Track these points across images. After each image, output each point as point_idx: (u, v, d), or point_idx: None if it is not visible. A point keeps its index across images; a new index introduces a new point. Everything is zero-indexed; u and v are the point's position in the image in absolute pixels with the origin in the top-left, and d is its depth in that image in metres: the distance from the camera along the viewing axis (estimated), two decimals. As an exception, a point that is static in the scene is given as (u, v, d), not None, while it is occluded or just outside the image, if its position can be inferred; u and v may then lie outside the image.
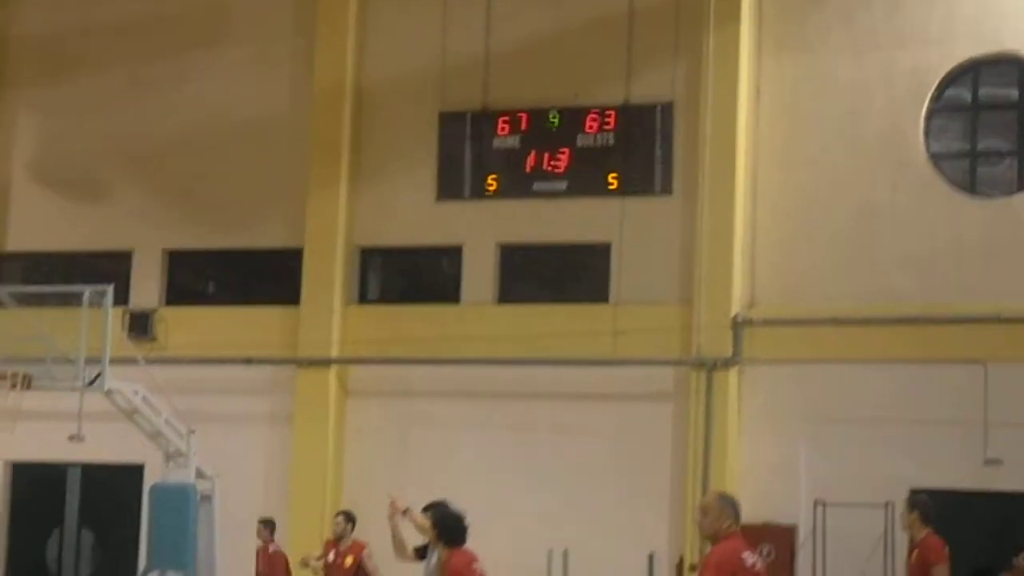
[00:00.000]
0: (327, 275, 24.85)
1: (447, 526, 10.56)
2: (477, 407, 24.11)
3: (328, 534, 19.80)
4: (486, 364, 23.86)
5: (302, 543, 22.54)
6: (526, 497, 22.74)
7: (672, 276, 23.51)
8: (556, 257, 24.74)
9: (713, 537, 9.95)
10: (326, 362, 24.66)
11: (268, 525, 21.23)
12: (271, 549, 21.23)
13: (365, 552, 17.37)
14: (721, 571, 9.74)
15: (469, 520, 13.18)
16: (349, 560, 17.20)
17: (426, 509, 13.96)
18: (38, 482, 26.21)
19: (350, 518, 17.52)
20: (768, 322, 22.90)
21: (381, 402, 24.66)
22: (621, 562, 22.56)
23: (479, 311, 24.33)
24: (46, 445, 24.38)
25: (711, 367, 22.88)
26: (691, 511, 22.48)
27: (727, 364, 22.85)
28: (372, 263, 25.63)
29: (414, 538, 14.20)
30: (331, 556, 17.44)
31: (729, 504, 10.14)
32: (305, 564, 19.85)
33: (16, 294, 22.49)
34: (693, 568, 21.59)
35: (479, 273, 24.54)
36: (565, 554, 22.31)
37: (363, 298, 25.39)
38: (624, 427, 23.24)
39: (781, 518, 22.11)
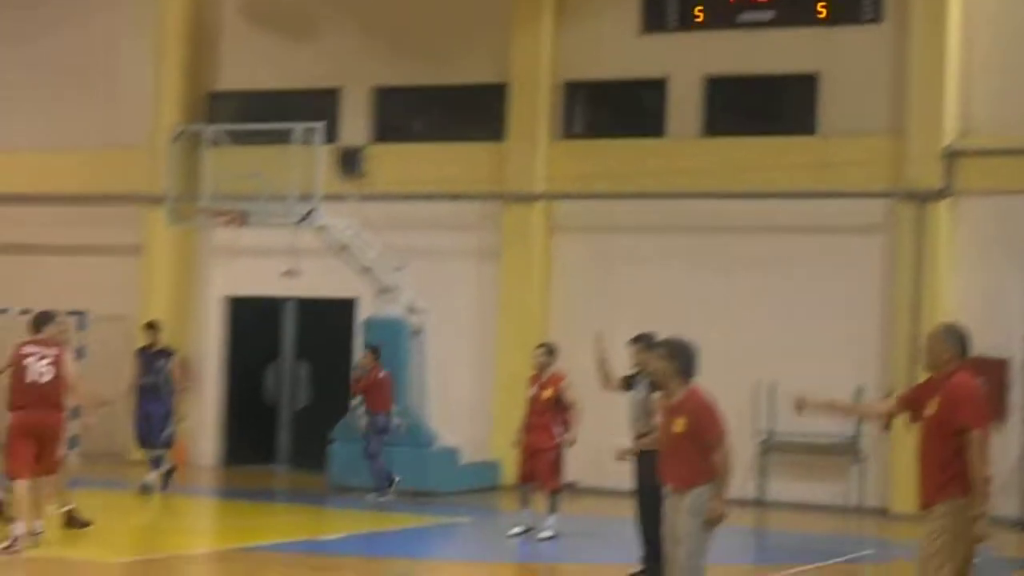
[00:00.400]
0: (532, 110, 24.89)
1: (685, 357, 9.89)
2: (682, 241, 24.09)
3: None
4: (691, 198, 23.78)
5: (508, 376, 22.91)
6: (732, 331, 22.73)
7: (881, 106, 23.05)
8: (762, 88, 24.41)
9: (934, 368, 9.47)
10: (532, 197, 24.80)
11: (374, 351, 21.45)
12: (379, 375, 21.29)
13: (563, 383, 17.35)
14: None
15: None
16: (547, 392, 17.15)
17: (635, 340, 14.04)
18: (255, 316, 26.94)
19: (551, 351, 17.53)
20: (981, 152, 22.37)
21: (586, 237, 24.78)
22: (829, 395, 22.45)
23: (684, 144, 24.19)
24: (262, 280, 25.04)
25: (922, 199, 22.49)
26: (901, 345, 22.32)
27: (938, 196, 22.43)
28: (577, 97, 25.57)
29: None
30: (533, 390, 17.44)
31: (953, 337, 9.44)
32: None
33: (229, 132, 23.00)
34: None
35: (684, 106, 24.34)
36: (772, 387, 22.34)
37: (568, 133, 25.40)
38: (832, 260, 23.04)
39: (993, 351, 21.77)
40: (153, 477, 20.40)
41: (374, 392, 21.08)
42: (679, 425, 9.90)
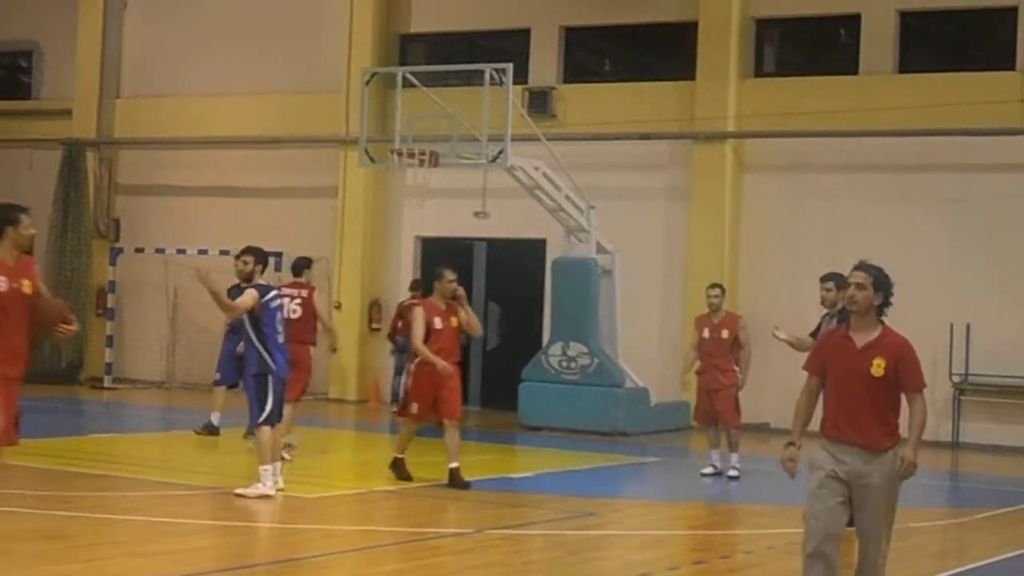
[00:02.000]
0: (722, 48, 24.67)
1: (887, 290, 8.91)
2: (876, 180, 23.75)
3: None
4: (886, 136, 23.40)
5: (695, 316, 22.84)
6: (927, 270, 22.37)
7: (1084, 40, 22.44)
8: (958, 23, 23.90)
9: None
10: (722, 136, 24.63)
11: (420, 285, 21.55)
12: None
13: (741, 323, 17.26)
14: None
15: None
16: (726, 332, 17.10)
17: (827, 278, 13.89)
18: (446, 256, 27.17)
19: (724, 291, 17.37)
20: None
21: (777, 175, 24.56)
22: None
23: (878, 81, 23.79)
24: (453, 221, 25.31)
25: (1125, 134, 21.88)
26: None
27: None
28: (768, 35, 25.29)
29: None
30: (705, 331, 17.25)
31: None
32: None
33: (420, 74, 23.20)
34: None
35: (878, 42, 23.92)
36: (968, 328, 21.98)
37: (759, 71, 25.14)
38: (1030, 199, 22.54)
39: None
40: None
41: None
42: (878, 367, 8.67)
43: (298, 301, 17.12)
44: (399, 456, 15.54)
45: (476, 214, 22.29)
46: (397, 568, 11.60)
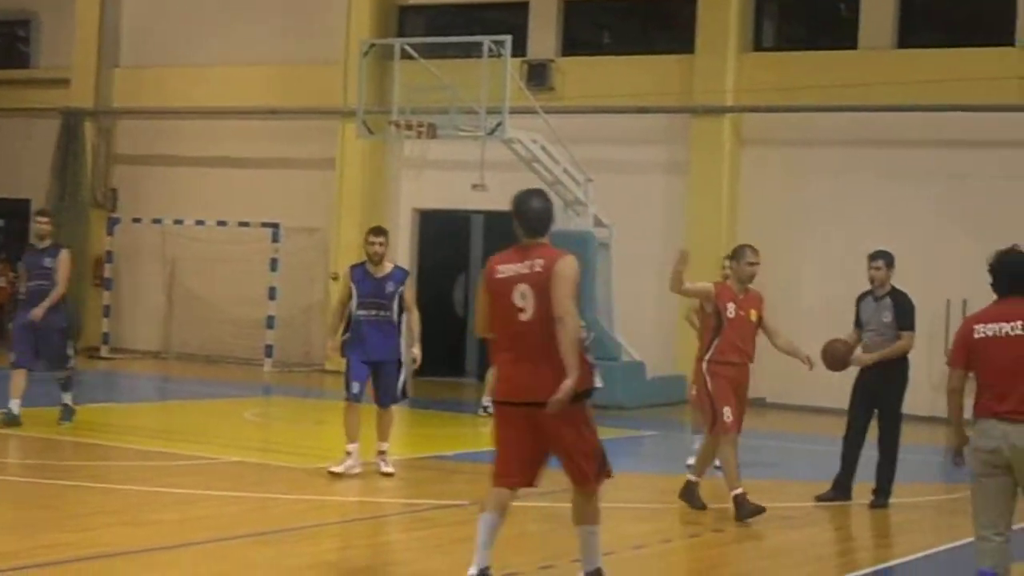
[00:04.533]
0: (722, 22, 24.60)
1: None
2: (873, 155, 23.71)
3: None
4: (884, 111, 23.35)
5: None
6: (924, 245, 22.36)
7: (1084, 16, 22.40)
8: (959, -1, 23.86)
9: None
10: (721, 110, 24.59)
11: None
12: None
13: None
14: None
15: None
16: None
17: (876, 257, 13.62)
18: (443, 228, 27.21)
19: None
20: None
21: (775, 150, 24.52)
22: None
23: (878, 56, 23.74)
24: (450, 193, 25.27)
25: (1124, 112, 21.86)
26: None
27: None
28: (767, 9, 25.23)
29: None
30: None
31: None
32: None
33: (419, 45, 23.14)
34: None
35: (878, 17, 23.86)
36: (964, 304, 21.96)
37: (758, 45, 25.09)
38: (1029, 175, 22.53)
39: None
40: None
41: None
42: None
43: None
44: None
45: (474, 187, 22.25)
46: (391, 539, 11.64)
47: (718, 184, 24.49)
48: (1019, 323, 8.55)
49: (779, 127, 24.42)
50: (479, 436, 18.58)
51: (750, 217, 24.38)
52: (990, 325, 8.63)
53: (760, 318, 12.92)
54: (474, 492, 13.64)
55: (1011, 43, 22.81)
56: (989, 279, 8.93)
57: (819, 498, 13.53)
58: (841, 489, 13.52)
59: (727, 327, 12.70)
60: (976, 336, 8.62)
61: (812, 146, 24.21)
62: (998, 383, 8.35)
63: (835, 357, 13.25)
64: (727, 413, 12.53)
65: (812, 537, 11.96)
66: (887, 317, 13.47)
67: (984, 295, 8.79)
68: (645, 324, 24.03)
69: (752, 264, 12.91)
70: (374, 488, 13.53)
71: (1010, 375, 8.35)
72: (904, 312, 13.45)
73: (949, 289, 22.14)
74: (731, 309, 12.75)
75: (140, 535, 10.65)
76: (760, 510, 12.21)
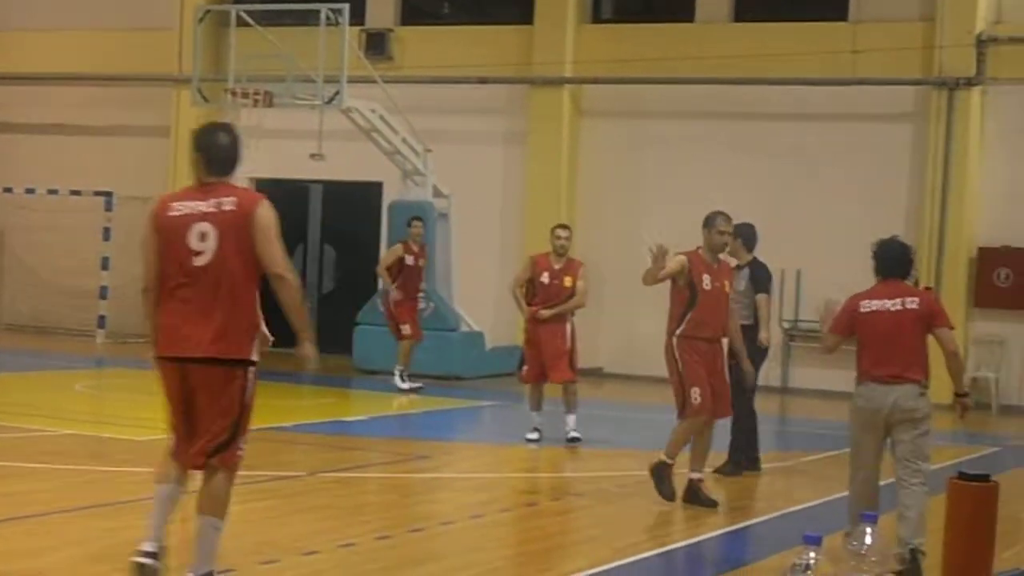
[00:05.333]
0: (561, -7, 24.67)
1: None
2: (711, 127, 23.97)
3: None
4: (720, 83, 23.62)
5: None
6: (759, 217, 22.48)
7: (914, -8, 22.83)
8: (794, -27, 24.16)
9: None
10: (560, 81, 24.66)
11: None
12: None
13: (583, 270, 15.48)
14: None
15: None
16: (569, 280, 15.09)
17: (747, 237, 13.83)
18: (281, 199, 26.54)
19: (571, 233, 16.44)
20: (1014, 40, 22.16)
21: (614, 121, 24.67)
22: (854, 283, 22.38)
23: (714, 29, 23.99)
24: (288, 163, 25.01)
25: (953, 87, 22.32)
26: (927, 234, 22.23)
27: (970, 84, 22.25)
28: (606, -20, 25.35)
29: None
30: (545, 276, 15.22)
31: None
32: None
33: (255, 12, 22.85)
34: (928, 290, 21.40)
35: (714, -10, 24.11)
36: (798, 274, 22.32)
37: (597, 17, 25.21)
38: (862, 147, 22.91)
39: (1019, 241, 21.72)
40: None
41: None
42: None
43: None
44: None
45: (312, 156, 22.06)
46: (230, 511, 11.48)
47: (557, 154, 24.58)
48: (899, 300, 9.76)
49: (617, 98, 24.56)
50: (319, 407, 18.49)
51: (589, 187, 24.51)
52: (875, 301, 9.82)
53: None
54: (312, 463, 13.59)
55: (844, 18, 23.19)
56: (872, 263, 10.15)
57: (717, 471, 13.46)
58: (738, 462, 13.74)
59: (701, 299, 11.86)
60: (862, 310, 9.80)
61: (649, 117, 24.40)
62: (879, 350, 9.59)
63: None
64: (695, 395, 11.75)
65: (647, 507, 12.02)
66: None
67: (819, 265, 9.09)
68: (485, 294, 24.03)
69: (723, 232, 12.14)
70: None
71: (890, 343, 9.60)
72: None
73: (784, 259, 22.41)
74: (707, 281, 11.90)
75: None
76: (712, 503, 11.82)
